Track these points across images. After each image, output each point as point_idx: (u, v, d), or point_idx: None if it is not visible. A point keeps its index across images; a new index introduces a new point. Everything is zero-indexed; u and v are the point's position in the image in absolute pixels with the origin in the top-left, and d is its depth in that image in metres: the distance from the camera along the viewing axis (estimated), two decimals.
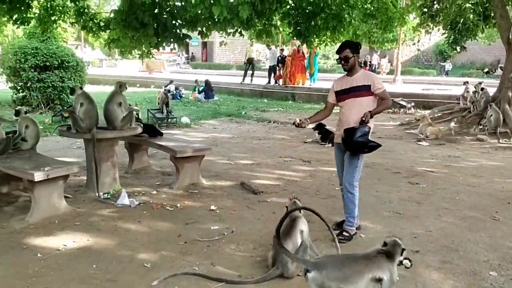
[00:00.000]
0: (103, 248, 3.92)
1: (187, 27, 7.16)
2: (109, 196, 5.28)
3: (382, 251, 2.84)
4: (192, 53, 40.39)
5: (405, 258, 2.97)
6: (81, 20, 8.12)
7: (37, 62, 11.96)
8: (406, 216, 4.85)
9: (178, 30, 7.10)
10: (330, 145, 8.06)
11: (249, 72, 19.80)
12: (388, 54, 28.59)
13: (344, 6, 7.59)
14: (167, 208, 4.97)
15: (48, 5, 7.96)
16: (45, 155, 5.26)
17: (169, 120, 10.91)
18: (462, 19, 11.98)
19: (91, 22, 8.09)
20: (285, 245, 3.22)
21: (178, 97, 16.24)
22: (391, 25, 8.16)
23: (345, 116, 4.19)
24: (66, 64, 12.50)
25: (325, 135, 8.65)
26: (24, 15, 7.68)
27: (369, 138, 4.05)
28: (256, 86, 18.94)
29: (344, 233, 4.19)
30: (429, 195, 5.62)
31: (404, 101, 13.81)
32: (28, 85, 12.14)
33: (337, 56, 4.28)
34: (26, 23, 8.10)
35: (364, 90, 4.08)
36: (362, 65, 27.42)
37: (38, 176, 4.28)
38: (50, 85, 12.20)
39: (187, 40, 7.39)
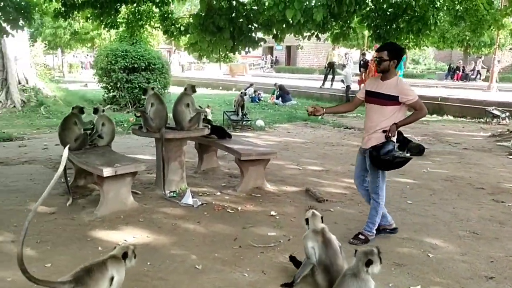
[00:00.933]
0: (160, 246, 4.00)
1: (262, 31, 7.19)
2: (174, 195, 5.41)
3: (350, 270, 2.68)
4: (276, 57, 40.83)
5: None
6: (164, 25, 8.52)
7: (126, 64, 12.78)
8: (484, 237, 4.39)
9: (253, 34, 7.17)
10: (408, 154, 7.56)
11: (330, 76, 19.45)
12: (487, 59, 26.54)
13: (429, 7, 7.11)
14: (227, 210, 4.98)
15: (135, 10, 8.44)
16: (118, 152, 5.52)
17: (243, 122, 11.04)
18: None
19: (172, 26, 8.45)
20: (334, 255, 3.16)
21: (257, 100, 16.41)
22: (481, 28, 7.48)
23: (365, 120, 4.17)
24: (153, 66, 13.22)
25: (403, 144, 8.13)
26: (113, 20, 8.24)
27: (396, 154, 3.88)
28: (336, 90, 18.52)
29: (360, 236, 4.18)
30: None
31: (498, 111, 12.68)
32: (118, 85, 12.99)
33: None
34: (115, 27, 8.70)
35: (388, 99, 3.92)
36: (456, 71, 25.79)
37: (107, 172, 4.50)
38: (137, 86, 12.95)
39: (262, 43, 7.43)
